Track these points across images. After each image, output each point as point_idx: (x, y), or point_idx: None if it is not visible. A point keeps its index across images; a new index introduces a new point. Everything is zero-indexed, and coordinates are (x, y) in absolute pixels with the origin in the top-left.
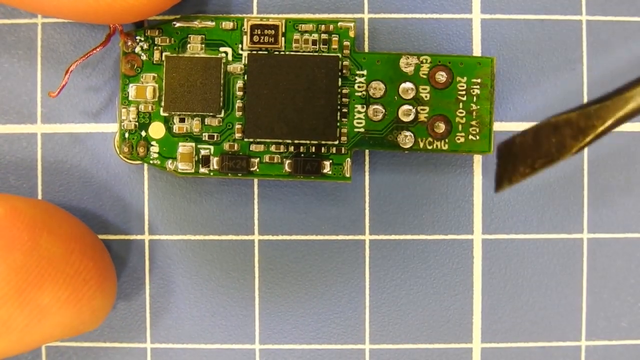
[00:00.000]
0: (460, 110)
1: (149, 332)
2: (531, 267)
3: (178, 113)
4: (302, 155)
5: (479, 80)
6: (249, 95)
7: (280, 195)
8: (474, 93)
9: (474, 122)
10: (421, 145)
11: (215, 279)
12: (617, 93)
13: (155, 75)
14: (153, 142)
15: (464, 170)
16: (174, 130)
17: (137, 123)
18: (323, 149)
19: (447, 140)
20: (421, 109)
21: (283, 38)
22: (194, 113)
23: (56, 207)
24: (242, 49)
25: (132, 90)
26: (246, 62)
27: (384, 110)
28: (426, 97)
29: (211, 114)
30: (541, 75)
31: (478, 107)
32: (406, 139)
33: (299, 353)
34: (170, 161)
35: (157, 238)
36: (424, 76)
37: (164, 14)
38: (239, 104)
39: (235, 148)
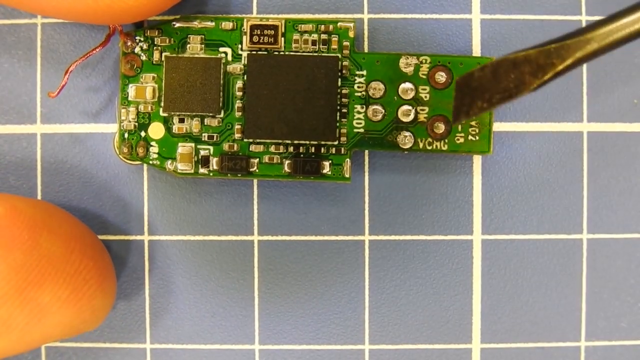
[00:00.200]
0: None
1: (148, 333)
2: (531, 267)
3: (178, 113)
4: (302, 155)
5: None
6: (248, 95)
7: (279, 196)
8: None
9: (473, 123)
10: (421, 145)
11: (215, 279)
12: (578, 33)
13: (155, 75)
14: (152, 143)
15: (464, 171)
16: (174, 131)
17: (136, 123)
18: (322, 149)
19: (446, 141)
20: (421, 109)
21: (283, 38)
22: (194, 113)
23: (56, 207)
24: (241, 49)
25: (131, 90)
26: (246, 63)
27: (383, 111)
28: (426, 97)
29: (211, 114)
30: None
31: None
32: (406, 139)
33: (299, 353)
34: (169, 161)
35: (156, 238)
36: (424, 76)
37: (163, 14)
38: (238, 104)
39: (235, 148)
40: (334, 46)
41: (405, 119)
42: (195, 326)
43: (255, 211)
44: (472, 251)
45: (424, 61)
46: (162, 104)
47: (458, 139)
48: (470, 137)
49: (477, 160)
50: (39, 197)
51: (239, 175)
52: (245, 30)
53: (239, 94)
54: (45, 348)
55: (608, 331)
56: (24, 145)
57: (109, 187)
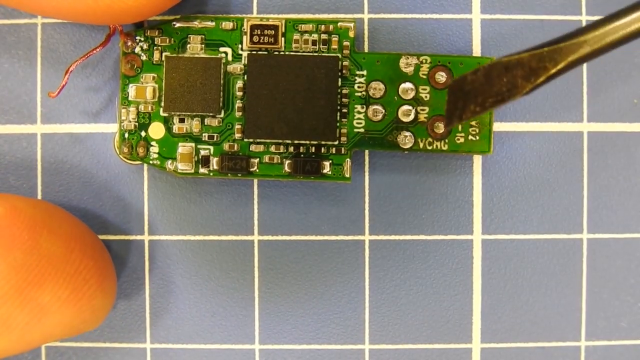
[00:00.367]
0: None
1: (148, 332)
2: (531, 267)
3: (178, 113)
4: (302, 155)
5: None
6: (248, 95)
7: (280, 196)
8: None
9: (473, 123)
10: (421, 145)
11: (215, 279)
12: (571, 36)
13: (155, 75)
14: (153, 143)
15: (464, 171)
16: (174, 131)
17: (137, 123)
18: (323, 149)
19: (447, 141)
20: (421, 109)
21: (283, 38)
22: (194, 113)
23: (56, 206)
24: (242, 49)
25: (132, 90)
26: (246, 62)
27: (383, 111)
28: (426, 97)
29: (211, 114)
30: None
31: None
32: (406, 139)
33: (299, 353)
34: (170, 161)
35: (157, 238)
36: (424, 76)
37: (163, 14)
38: (238, 104)
39: (235, 148)
40: (334, 46)
41: (405, 119)
42: (195, 326)
43: (256, 211)
44: (472, 251)
45: (424, 61)
46: (163, 104)
47: (458, 139)
48: (470, 137)
49: (477, 160)
50: (39, 197)
51: (239, 175)
52: (245, 30)
53: (239, 94)
54: (45, 348)
55: (608, 331)
56: (24, 145)
57: (109, 187)
